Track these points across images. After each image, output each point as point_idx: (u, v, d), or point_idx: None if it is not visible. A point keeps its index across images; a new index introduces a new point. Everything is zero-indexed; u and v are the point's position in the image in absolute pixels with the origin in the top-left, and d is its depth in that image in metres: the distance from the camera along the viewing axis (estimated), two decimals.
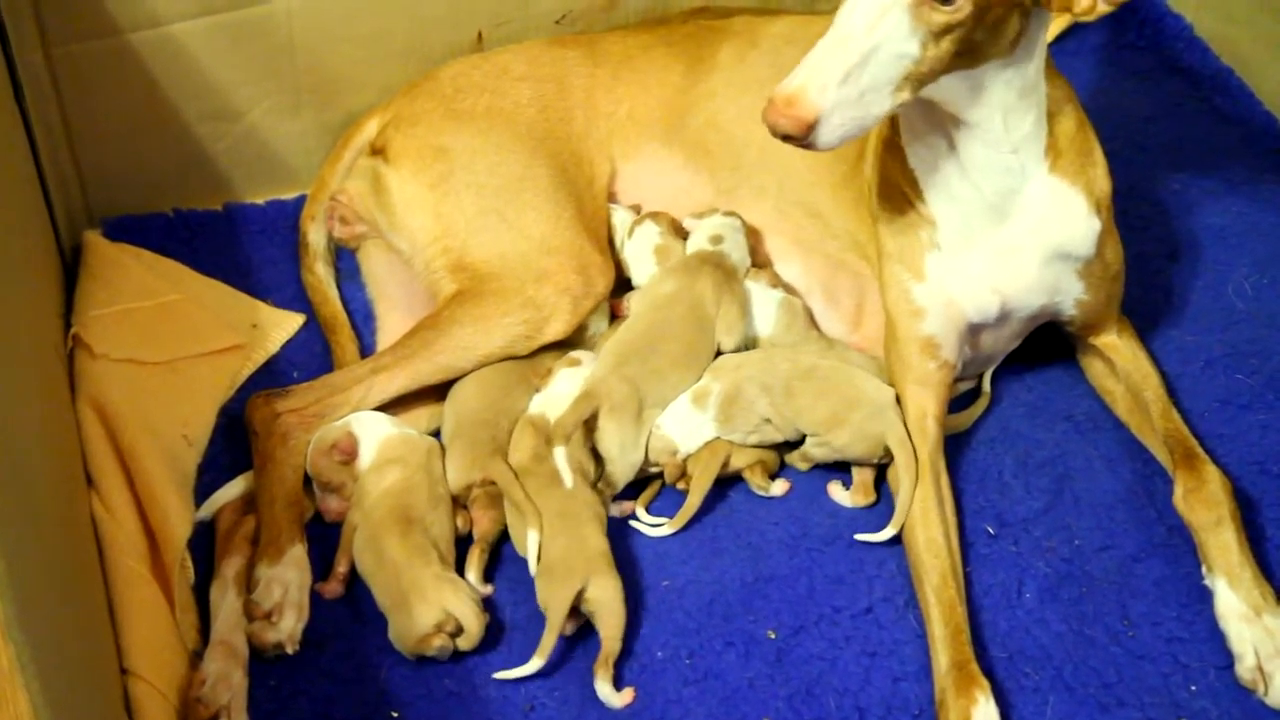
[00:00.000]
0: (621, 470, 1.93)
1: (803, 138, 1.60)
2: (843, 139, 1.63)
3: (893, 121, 1.87)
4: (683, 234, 2.18)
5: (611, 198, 2.25)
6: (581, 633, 1.79)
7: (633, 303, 2.10)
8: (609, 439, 1.91)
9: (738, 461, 1.95)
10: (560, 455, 1.87)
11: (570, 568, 1.76)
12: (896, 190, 1.91)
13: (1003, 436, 2.04)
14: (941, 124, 1.79)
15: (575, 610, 1.75)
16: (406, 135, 2.14)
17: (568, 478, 1.86)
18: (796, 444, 1.98)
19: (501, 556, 1.89)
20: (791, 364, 1.97)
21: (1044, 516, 1.92)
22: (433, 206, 2.07)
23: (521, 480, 1.87)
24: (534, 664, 1.72)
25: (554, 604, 1.74)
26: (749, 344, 2.07)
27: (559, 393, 1.97)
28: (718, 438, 1.95)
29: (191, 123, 2.30)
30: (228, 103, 2.30)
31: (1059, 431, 2.04)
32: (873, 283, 2.07)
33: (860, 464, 1.95)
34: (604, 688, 1.70)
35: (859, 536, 1.87)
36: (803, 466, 1.99)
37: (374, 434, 1.91)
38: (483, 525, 1.88)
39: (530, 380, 2.01)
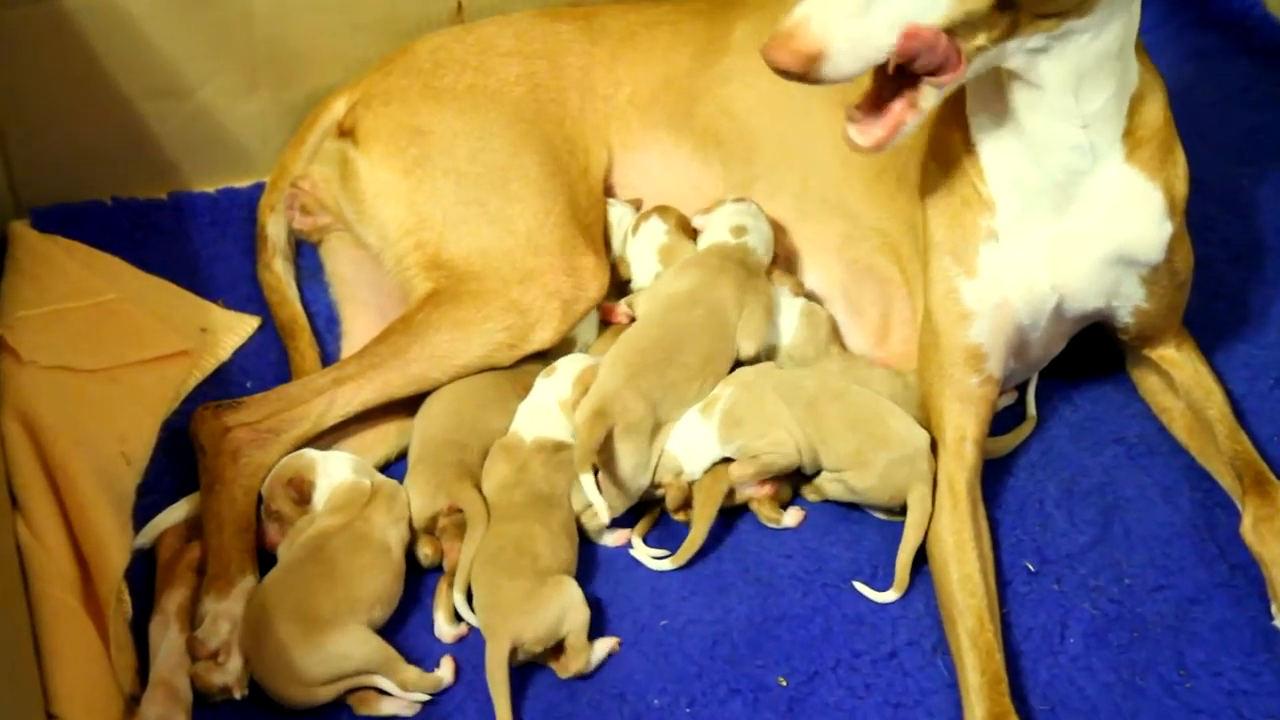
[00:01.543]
0: (629, 495, 1.92)
1: (804, 74, 1.60)
2: (849, 77, 1.61)
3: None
4: (692, 233, 2.18)
5: (608, 190, 2.25)
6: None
7: (640, 303, 2.10)
8: (622, 462, 1.90)
9: (745, 471, 1.93)
10: (588, 482, 1.85)
11: (491, 624, 1.77)
12: (953, 166, 1.90)
13: (1045, 461, 2.03)
14: (1007, 89, 1.77)
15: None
16: (378, 115, 2.15)
17: (603, 510, 1.85)
18: (807, 475, 1.99)
19: None
20: (819, 382, 1.97)
21: (1091, 551, 1.92)
22: (406, 195, 2.07)
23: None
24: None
25: (492, 669, 1.73)
26: (770, 353, 2.07)
27: (537, 404, 1.97)
28: (723, 461, 1.95)
29: (134, 100, 2.30)
30: (175, 78, 2.30)
31: (1108, 455, 2.04)
32: (900, 290, 2.08)
33: (878, 510, 1.95)
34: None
35: (858, 586, 1.87)
36: (814, 498, 1.99)
37: (331, 479, 1.91)
38: (453, 557, 1.88)
39: (510, 396, 2.01)
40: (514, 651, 1.74)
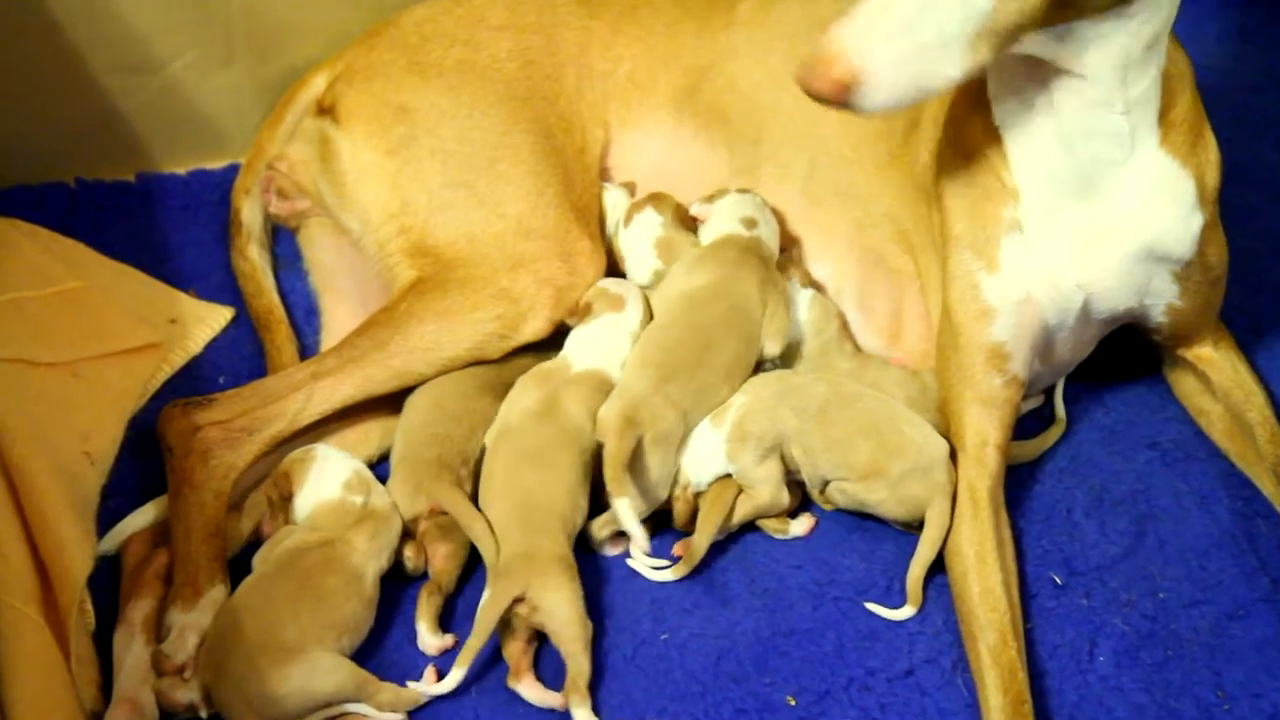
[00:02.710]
0: (645, 508, 1.91)
1: (840, 101, 1.60)
2: (894, 103, 1.61)
3: None
4: (690, 224, 2.17)
5: (604, 173, 2.25)
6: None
7: (654, 301, 2.09)
8: (649, 475, 1.90)
9: (744, 509, 1.93)
10: (625, 508, 1.83)
11: (510, 568, 1.78)
12: (974, 154, 1.89)
13: (1073, 467, 2.03)
14: (1041, 74, 1.76)
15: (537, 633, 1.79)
16: (361, 91, 2.14)
17: (641, 538, 1.83)
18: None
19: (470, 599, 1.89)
20: (830, 388, 1.96)
21: (1122, 563, 1.91)
22: (390, 177, 2.07)
23: (503, 442, 1.90)
24: (453, 677, 1.74)
25: (484, 606, 1.76)
26: (787, 353, 2.07)
27: (596, 341, 2.00)
28: (728, 475, 1.95)
29: (99, 74, 2.30)
30: (145, 51, 2.30)
31: (1141, 461, 2.04)
32: (913, 283, 2.07)
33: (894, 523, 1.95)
34: (583, 715, 1.72)
35: (871, 607, 1.87)
36: (828, 506, 1.99)
37: (320, 491, 1.90)
38: (436, 562, 1.88)
39: (499, 392, 2.01)
40: (512, 609, 1.76)
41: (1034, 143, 1.82)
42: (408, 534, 1.91)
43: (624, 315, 2.04)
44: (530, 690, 1.76)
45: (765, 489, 1.93)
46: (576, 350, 2.02)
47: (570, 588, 1.78)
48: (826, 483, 1.95)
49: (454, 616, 1.88)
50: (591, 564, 1.93)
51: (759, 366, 2.05)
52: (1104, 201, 1.83)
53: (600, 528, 1.92)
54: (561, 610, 1.77)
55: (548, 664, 1.80)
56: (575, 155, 2.19)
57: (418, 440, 1.95)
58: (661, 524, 1.97)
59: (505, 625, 1.79)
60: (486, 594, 1.79)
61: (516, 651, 1.78)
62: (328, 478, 1.91)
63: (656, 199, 2.18)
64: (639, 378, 1.94)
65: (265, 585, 1.80)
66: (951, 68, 1.60)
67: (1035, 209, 1.85)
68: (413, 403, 2.00)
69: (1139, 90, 1.75)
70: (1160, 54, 1.75)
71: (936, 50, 1.58)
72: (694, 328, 2.00)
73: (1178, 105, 1.81)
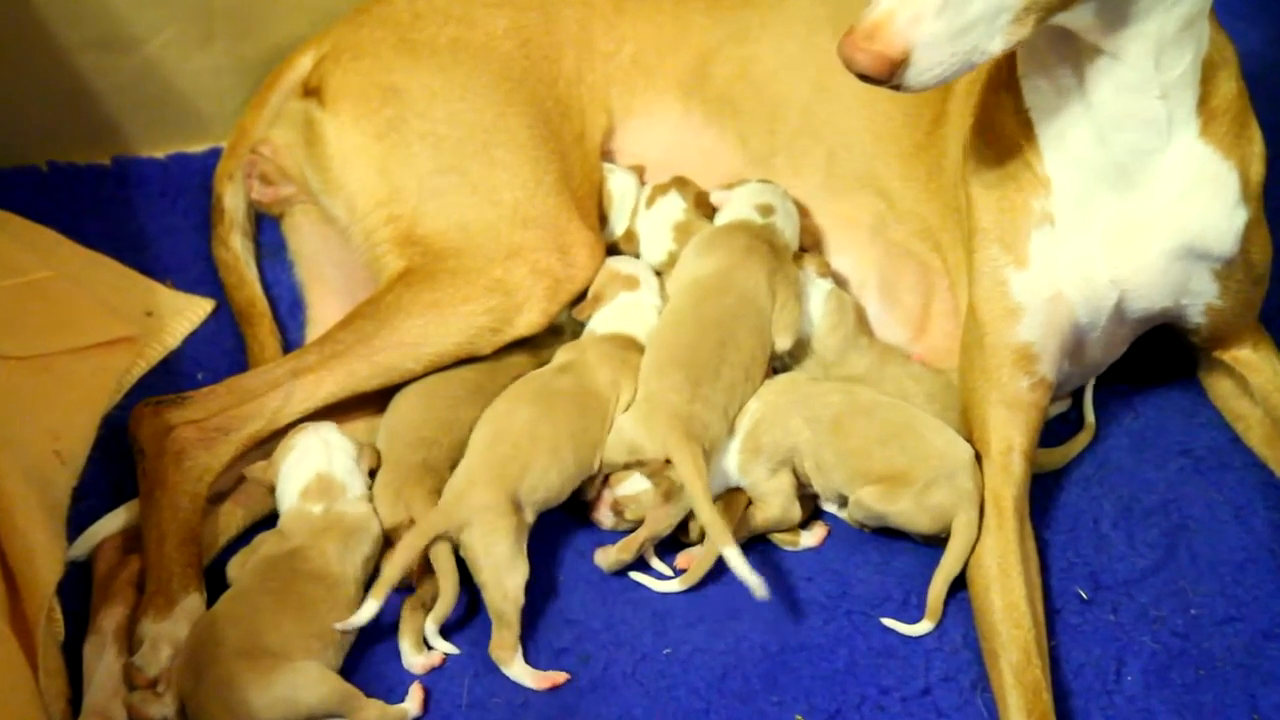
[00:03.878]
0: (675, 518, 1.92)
1: (886, 78, 1.59)
2: (940, 79, 1.61)
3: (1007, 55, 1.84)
4: (710, 211, 2.18)
5: (606, 160, 2.25)
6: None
7: (669, 287, 2.10)
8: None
9: (753, 521, 1.94)
10: (737, 558, 1.79)
11: (444, 503, 1.85)
12: (1004, 142, 1.88)
13: (1101, 475, 2.03)
14: (1073, 54, 1.75)
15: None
16: (348, 72, 2.14)
17: (758, 587, 1.79)
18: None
19: (468, 611, 1.89)
20: (846, 396, 1.96)
21: (1152, 578, 1.91)
22: (378, 162, 2.07)
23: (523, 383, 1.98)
24: (367, 610, 1.78)
25: (405, 536, 1.82)
26: (798, 348, 2.07)
27: (619, 316, 2.05)
28: (737, 489, 1.95)
29: (73, 51, 2.30)
30: (120, 27, 2.30)
31: (1173, 469, 2.03)
32: (943, 278, 2.07)
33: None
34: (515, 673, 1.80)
35: (888, 622, 1.87)
36: (852, 522, 1.98)
37: (287, 495, 1.90)
38: (420, 576, 1.87)
39: (490, 393, 2.00)
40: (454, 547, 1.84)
41: (1066, 130, 1.81)
42: (389, 542, 1.91)
43: (640, 293, 2.08)
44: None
45: (776, 501, 1.93)
46: (600, 326, 2.06)
47: (490, 535, 1.82)
48: (844, 498, 1.94)
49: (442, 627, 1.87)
50: (590, 573, 1.94)
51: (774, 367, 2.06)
52: (1141, 194, 1.82)
53: (618, 552, 1.91)
54: (478, 556, 1.81)
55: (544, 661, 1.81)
56: (574, 141, 2.19)
57: (403, 442, 1.95)
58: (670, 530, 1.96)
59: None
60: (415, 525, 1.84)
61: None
62: (291, 482, 1.91)
63: (681, 183, 2.20)
64: (667, 384, 1.93)
65: (247, 596, 1.80)
66: (997, 42, 1.60)
67: (1068, 200, 1.84)
68: (400, 403, 2.00)
69: (1175, 74, 1.74)
70: (1198, 36, 1.74)
71: (985, 24, 1.58)
72: (707, 323, 2.00)
73: (1219, 93, 1.80)
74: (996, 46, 1.61)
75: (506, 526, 1.83)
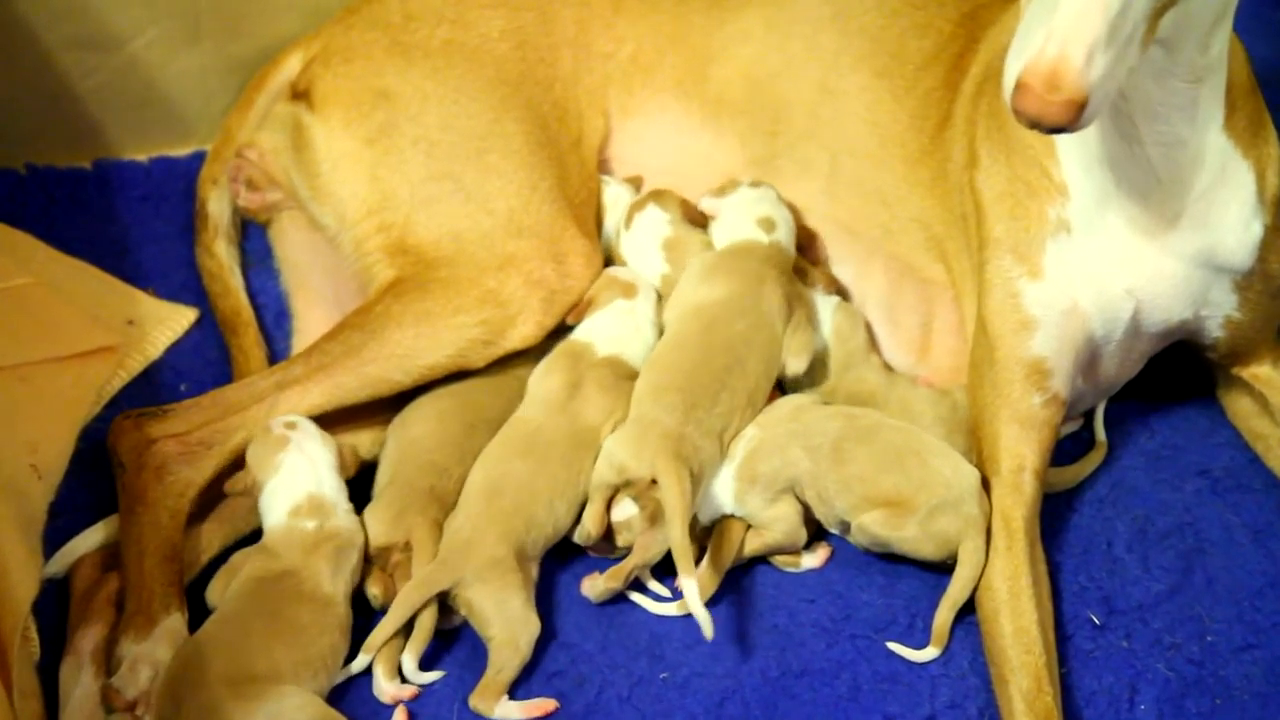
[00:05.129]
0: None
1: (1073, 125, 1.49)
2: (1101, 111, 1.52)
3: None
4: (699, 220, 2.17)
5: (603, 165, 2.26)
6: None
7: (666, 314, 2.09)
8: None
9: (753, 544, 1.94)
10: (692, 591, 1.80)
11: (445, 556, 1.83)
12: (1017, 146, 1.88)
13: (1115, 496, 2.03)
14: None
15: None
16: (338, 74, 2.15)
17: (706, 624, 1.79)
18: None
19: (455, 634, 1.89)
20: (846, 421, 1.96)
21: (1167, 603, 1.91)
22: (369, 168, 2.08)
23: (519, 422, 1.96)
24: (359, 662, 1.80)
25: (405, 589, 1.82)
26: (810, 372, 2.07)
27: (613, 327, 2.03)
28: (731, 516, 1.95)
29: (53, 51, 2.30)
30: (102, 26, 2.30)
31: (1190, 490, 2.03)
32: (944, 293, 2.07)
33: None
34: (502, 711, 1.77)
35: (891, 646, 1.86)
36: (859, 546, 1.98)
37: (274, 510, 1.89)
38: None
39: (500, 414, 2.00)
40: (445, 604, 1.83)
41: (1090, 128, 1.78)
42: (369, 560, 1.91)
43: (637, 301, 2.07)
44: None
45: (779, 528, 1.93)
46: (596, 333, 2.05)
47: (503, 591, 1.80)
48: (847, 525, 1.94)
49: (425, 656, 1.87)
50: (581, 593, 1.93)
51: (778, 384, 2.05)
52: (1162, 192, 1.81)
53: (606, 580, 1.90)
54: (488, 612, 1.80)
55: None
56: (571, 146, 2.19)
57: (414, 465, 1.95)
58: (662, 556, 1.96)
59: None
60: (414, 578, 1.84)
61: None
62: (279, 500, 1.90)
63: (659, 196, 2.18)
64: (660, 406, 1.93)
65: (237, 620, 1.80)
66: (1136, 56, 1.54)
67: (1085, 206, 1.84)
68: (412, 417, 2.00)
69: (1213, 54, 1.71)
70: (1228, 23, 1.72)
71: (1131, 43, 1.51)
72: (713, 348, 1.99)
73: (1237, 82, 1.80)
74: (1137, 61, 1.54)
75: (517, 581, 1.83)
